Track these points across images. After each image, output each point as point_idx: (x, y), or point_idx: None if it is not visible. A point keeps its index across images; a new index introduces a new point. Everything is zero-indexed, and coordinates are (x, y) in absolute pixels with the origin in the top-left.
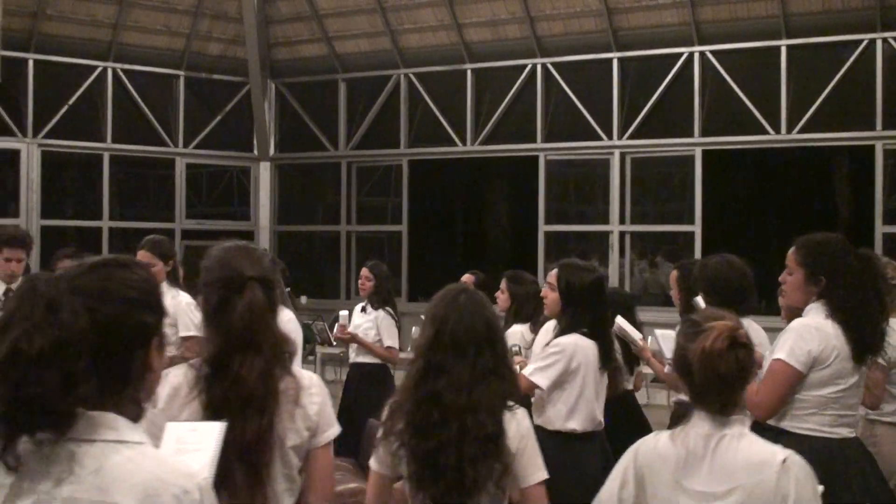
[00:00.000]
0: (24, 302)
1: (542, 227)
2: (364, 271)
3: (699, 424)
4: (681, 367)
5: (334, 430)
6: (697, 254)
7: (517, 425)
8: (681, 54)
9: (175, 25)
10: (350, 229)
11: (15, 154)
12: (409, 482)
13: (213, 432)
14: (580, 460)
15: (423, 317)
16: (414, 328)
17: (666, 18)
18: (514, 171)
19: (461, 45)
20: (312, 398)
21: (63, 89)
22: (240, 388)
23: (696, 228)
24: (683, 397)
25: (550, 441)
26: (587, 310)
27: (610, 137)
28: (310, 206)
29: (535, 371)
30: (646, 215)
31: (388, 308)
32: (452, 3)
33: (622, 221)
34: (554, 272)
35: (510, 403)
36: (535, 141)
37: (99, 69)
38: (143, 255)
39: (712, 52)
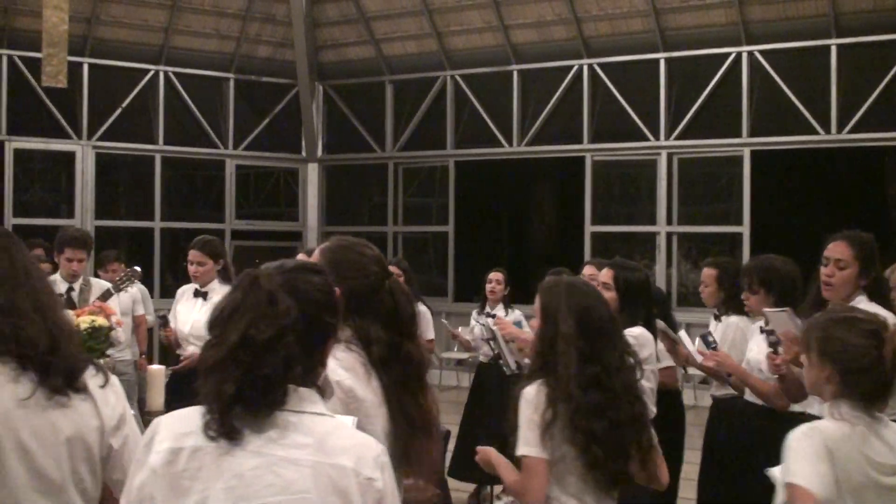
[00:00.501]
0: (249, 294)
1: (589, 228)
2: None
3: (852, 413)
4: (845, 360)
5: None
6: (745, 255)
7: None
8: (729, 54)
9: (225, 29)
10: (397, 230)
11: (70, 156)
12: (575, 462)
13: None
14: None
15: (538, 307)
16: (460, 328)
17: (714, 18)
18: (560, 171)
19: (507, 47)
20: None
21: (116, 92)
22: (414, 368)
23: (745, 230)
24: (722, 391)
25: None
26: (641, 306)
27: (657, 138)
28: (357, 207)
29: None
30: (693, 216)
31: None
32: (499, 5)
33: (669, 222)
34: (608, 272)
35: None
36: (581, 142)
37: (151, 73)
38: (194, 255)
39: (761, 51)
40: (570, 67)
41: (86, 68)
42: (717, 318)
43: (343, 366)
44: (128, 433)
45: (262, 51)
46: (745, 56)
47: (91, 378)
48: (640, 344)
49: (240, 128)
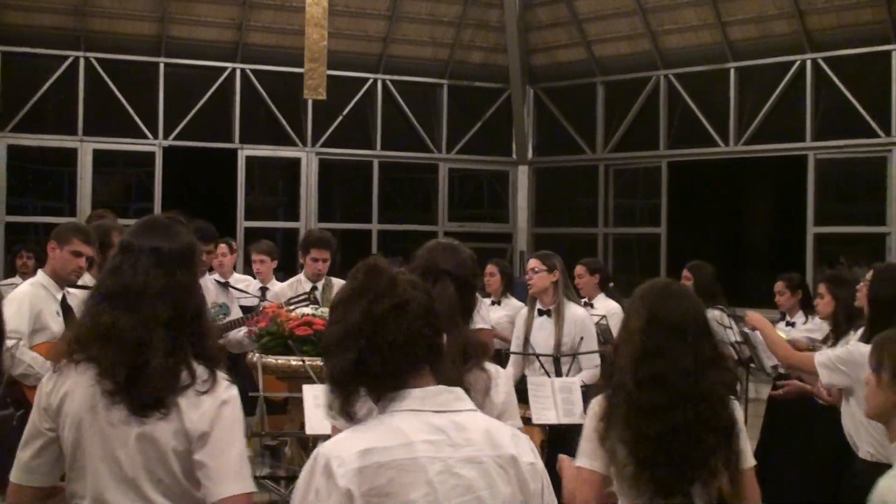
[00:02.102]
0: (370, 278)
1: (812, 230)
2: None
3: None
4: None
5: (516, 422)
6: None
7: (738, 411)
8: None
9: (440, 37)
10: (607, 231)
11: (296, 162)
12: (629, 466)
13: None
14: None
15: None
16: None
17: None
18: (779, 170)
19: (724, 44)
20: (499, 388)
21: (338, 102)
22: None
23: None
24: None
25: None
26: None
27: (888, 134)
28: (567, 209)
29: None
30: None
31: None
32: (716, 1)
33: None
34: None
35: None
36: (804, 140)
37: (370, 81)
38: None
39: None
40: (793, 63)
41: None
42: None
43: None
44: (221, 427)
45: (475, 56)
46: None
47: (192, 388)
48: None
49: (452, 132)
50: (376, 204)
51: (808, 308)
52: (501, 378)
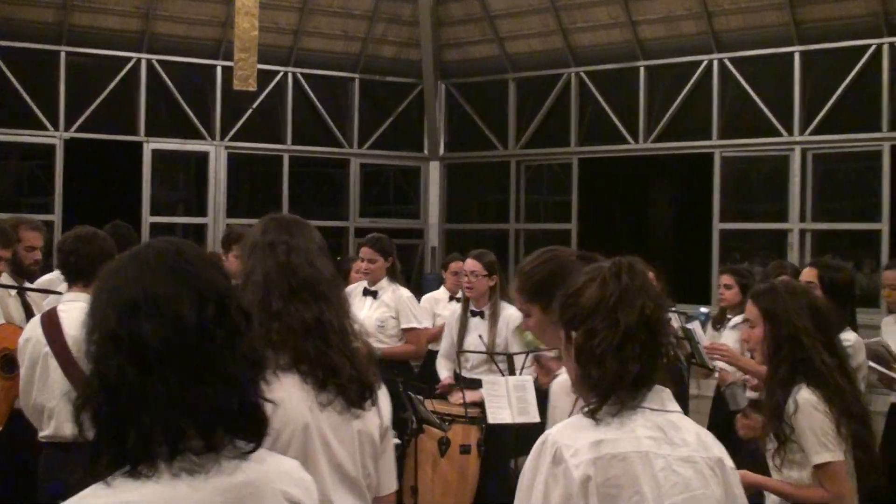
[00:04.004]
0: (634, 279)
1: (718, 226)
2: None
3: None
4: None
5: None
6: (884, 254)
7: None
8: (868, 46)
9: (352, 30)
10: (518, 227)
11: (204, 156)
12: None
13: None
14: None
15: (757, 313)
16: None
17: (852, 10)
18: (687, 168)
19: (634, 42)
20: None
21: (247, 94)
22: None
23: (884, 227)
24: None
25: None
26: (847, 309)
27: (791, 133)
28: (478, 205)
29: None
30: (828, 213)
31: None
32: (627, 0)
33: (802, 219)
34: (811, 271)
35: None
36: (710, 138)
37: (281, 74)
38: (366, 252)
39: None
40: (700, 62)
41: (219, 71)
42: None
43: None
44: (389, 427)
45: (387, 51)
46: (885, 48)
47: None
48: (855, 350)
49: (364, 127)
50: (286, 199)
51: None
52: None
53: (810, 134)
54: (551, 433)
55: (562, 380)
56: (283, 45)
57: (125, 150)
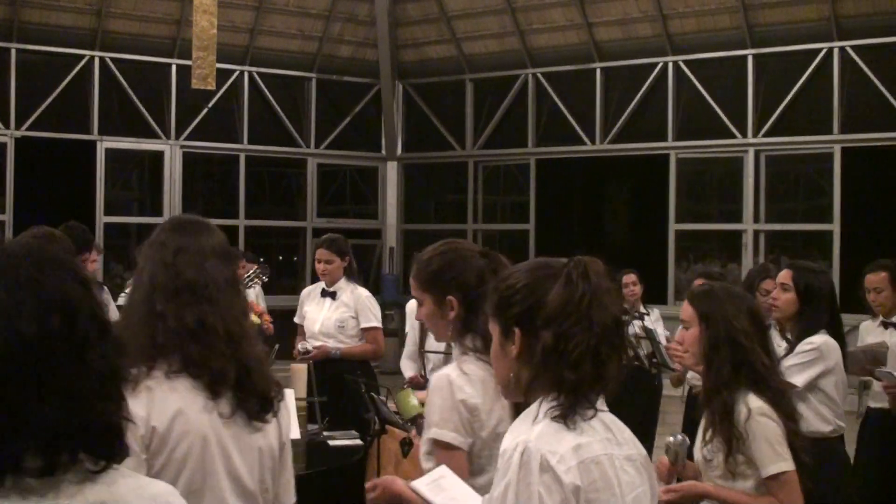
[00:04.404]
0: (594, 281)
1: (673, 226)
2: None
3: None
4: None
5: None
6: (836, 255)
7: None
8: (819, 50)
9: (308, 29)
10: (476, 227)
11: (159, 155)
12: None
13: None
14: (834, 463)
15: (693, 314)
16: None
17: (804, 14)
18: (644, 169)
19: (591, 45)
20: None
21: (202, 93)
22: None
23: (835, 227)
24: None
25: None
26: (824, 312)
27: (744, 135)
28: (437, 205)
29: (792, 369)
30: (781, 214)
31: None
32: (583, 3)
33: (756, 220)
34: (787, 273)
35: None
36: (666, 139)
37: (237, 73)
38: (322, 253)
39: (853, 47)
40: (655, 65)
41: (174, 69)
42: (888, 325)
43: (472, 381)
44: (287, 441)
45: (344, 50)
46: (836, 52)
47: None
48: (823, 354)
49: (321, 127)
50: (243, 199)
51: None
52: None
53: (763, 136)
54: (529, 441)
55: (442, 374)
56: (239, 43)
57: (78, 148)
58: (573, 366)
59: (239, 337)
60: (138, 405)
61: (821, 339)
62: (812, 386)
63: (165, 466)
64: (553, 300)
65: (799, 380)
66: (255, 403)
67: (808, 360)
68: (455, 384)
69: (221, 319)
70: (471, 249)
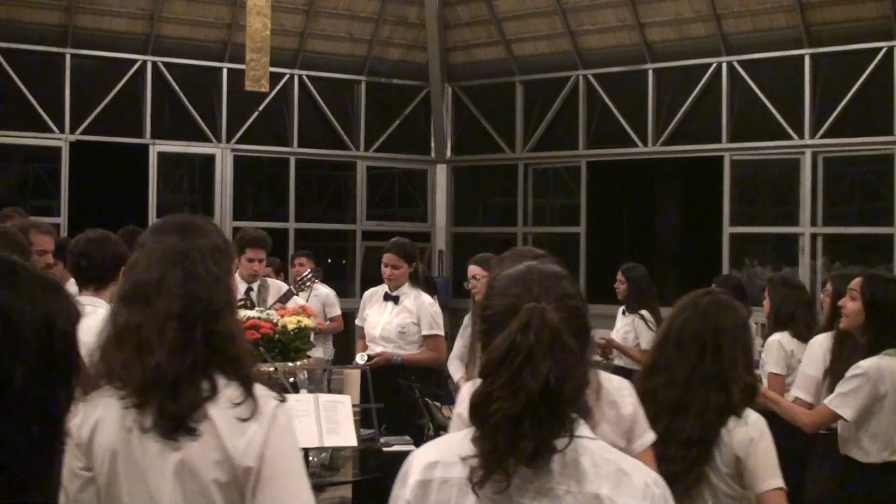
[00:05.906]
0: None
1: (727, 230)
2: (619, 275)
3: None
4: None
5: None
6: None
7: (745, 431)
8: (879, 49)
9: (357, 32)
10: (526, 230)
11: (210, 158)
12: None
13: None
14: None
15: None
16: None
17: (863, 12)
18: (696, 171)
19: (642, 45)
20: None
21: (253, 97)
22: None
23: (895, 231)
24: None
25: (871, 473)
26: (889, 325)
27: (801, 137)
28: (485, 208)
29: (837, 398)
30: (838, 217)
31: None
32: (635, 3)
33: (813, 223)
34: (859, 280)
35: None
36: (720, 141)
37: (287, 76)
38: (389, 258)
39: None
40: (709, 65)
41: (225, 73)
42: None
43: None
44: (274, 461)
45: (393, 53)
46: None
47: (229, 409)
48: (871, 379)
49: (370, 130)
50: (293, 202)
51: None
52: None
53: (821, 137)
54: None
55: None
56: (289, 47)
57: (131, 152)
58: (488, 433)
59: (174, 342)
60: (78, 415)
61: (867, 362)
62: (865, 415)
63: (97, 479)
64: (492, 350)
65: (848, 412)
66: (175, 417)
67: (852, 387)
68: None
69: (153, 323)
70: (530, 254)
